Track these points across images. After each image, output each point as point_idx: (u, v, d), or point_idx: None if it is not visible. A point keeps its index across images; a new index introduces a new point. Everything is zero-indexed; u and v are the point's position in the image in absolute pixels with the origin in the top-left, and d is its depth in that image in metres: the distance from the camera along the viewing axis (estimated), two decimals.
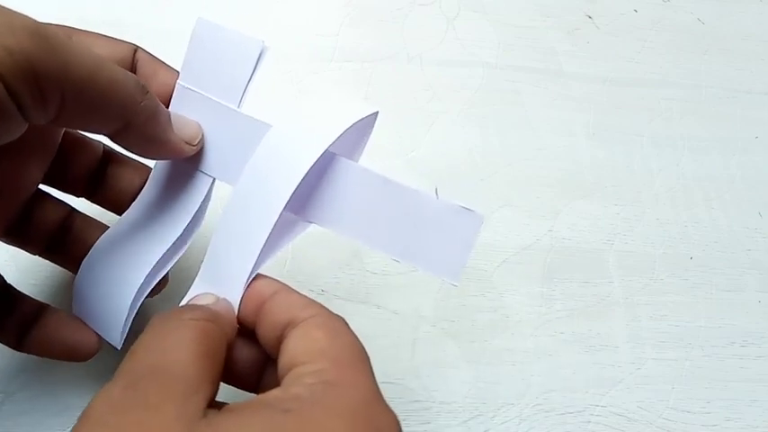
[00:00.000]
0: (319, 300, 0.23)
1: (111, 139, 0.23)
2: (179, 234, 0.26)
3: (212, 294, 0.24)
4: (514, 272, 0.38)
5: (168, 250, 0.26)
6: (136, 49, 0.26)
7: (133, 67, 0.26)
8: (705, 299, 0.40)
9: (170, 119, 0.24)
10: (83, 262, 0.27)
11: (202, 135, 0.26)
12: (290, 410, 0.18)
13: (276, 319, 0.22)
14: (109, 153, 0.28)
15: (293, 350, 0.21)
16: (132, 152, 0.24)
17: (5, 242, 0.27)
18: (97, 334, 0.27)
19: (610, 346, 0.37)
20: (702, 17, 0.49)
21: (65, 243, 0.28)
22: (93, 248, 0.27)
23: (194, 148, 0.25)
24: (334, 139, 0.24)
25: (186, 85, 0.26)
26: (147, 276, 0.26)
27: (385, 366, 0.34)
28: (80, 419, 0.18)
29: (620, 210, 0.41)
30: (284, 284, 0.24)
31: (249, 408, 0.19)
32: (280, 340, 0.22)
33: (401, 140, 0.40)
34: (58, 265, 0.29)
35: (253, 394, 0.24)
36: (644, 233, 0.41)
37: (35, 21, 0.19)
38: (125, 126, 0.22)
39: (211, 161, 0.26)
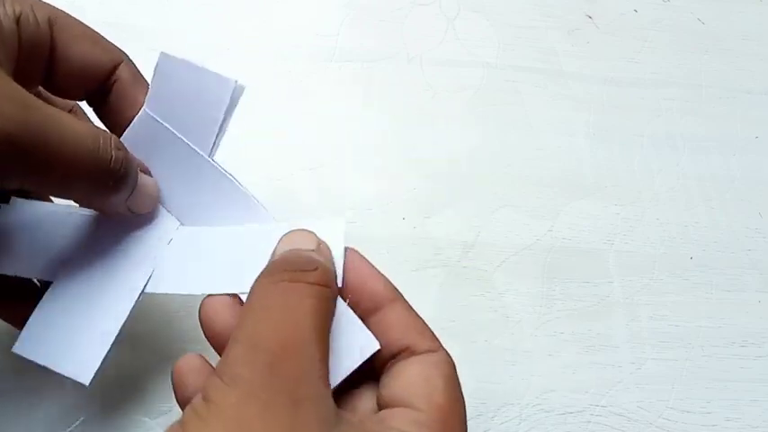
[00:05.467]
0: None
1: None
2: (146, 280, 0.25)
3: (311, 234, 0.23)
4: (514, 272, 0.38)
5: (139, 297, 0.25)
6: (119, 64, 0.25)
7: (109, 86, 0.25)
8: (705, 299, 0.40)
9: (132, 194, 0.24)
10: (40, 305, 0.25)
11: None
12: None
13: (393, 337, 0.22)
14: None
15: (410, 387, 0.21)
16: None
17: None
18: None
19: (610, 346, 0.37)
20: (702, 17, 0.49)
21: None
22: (52, 289, 0.25)
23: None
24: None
25: (153, 115, 0.25)
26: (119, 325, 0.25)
27: None
28: (204, 413, 0.17)
29: (620, 210, 0.41)
30: (399, 292, 0.23)
31: None
32: (389, 359, 0.22)
33: (401, 140, 0.40)
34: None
35: None
36: (644, 233, 0.41)
37: (23, 94, 0.19)
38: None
39: (171, 201, 0.26)
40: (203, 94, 0.24)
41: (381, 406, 0.21)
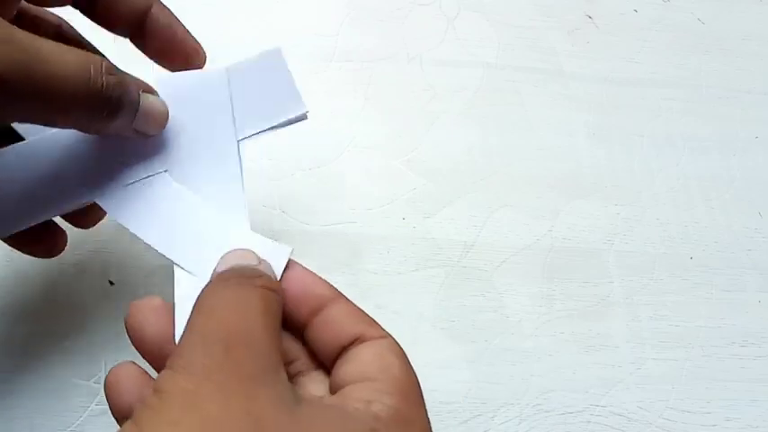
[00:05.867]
0: None
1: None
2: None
3: (251, 252, 0.23)
4: (514, 272, 0.38)
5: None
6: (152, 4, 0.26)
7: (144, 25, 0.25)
8: (705, 299, 0.40)
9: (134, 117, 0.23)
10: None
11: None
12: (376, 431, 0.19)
13: (342, 329, 0.22)
14: None
15: (367, 365, 0.21)
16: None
17: None
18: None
19: (610, 346, 0.37)
20: (702, 17, 0.49)
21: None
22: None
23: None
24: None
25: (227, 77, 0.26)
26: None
27: None
28: (157, 388, 0.18)
29: (620, 210, 0.41)
30: (341, 292, 0.24)
31: (331, 411, 0.19)
32: (340, 350, 0.22)
33: (401, 140, 0.40)
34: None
35: None
36: (644, 233, 0.41)
37: (5, 30, 0.19)
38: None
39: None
40: (275, 98, 0.26)
41: (335, 389, 0.22)
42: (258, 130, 0.27)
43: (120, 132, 0.24)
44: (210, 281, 0.22)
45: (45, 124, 0.21)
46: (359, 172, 0.39)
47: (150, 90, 0.25)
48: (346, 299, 0.24)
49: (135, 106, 0.23)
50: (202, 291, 0.21)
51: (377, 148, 0.40)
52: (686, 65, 0.47)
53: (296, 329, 0.24)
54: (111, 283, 0.33)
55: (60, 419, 0.31)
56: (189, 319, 0.20)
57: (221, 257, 0.23)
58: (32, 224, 0.25)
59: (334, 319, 0.23)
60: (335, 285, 0.36)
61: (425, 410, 0.21)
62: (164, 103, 0.25)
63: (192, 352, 0.19)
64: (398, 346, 0.23)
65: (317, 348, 0.23)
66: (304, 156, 0.39)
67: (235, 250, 0.23)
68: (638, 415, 0.36)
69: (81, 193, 0.25)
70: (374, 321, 0.23)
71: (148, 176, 0.25)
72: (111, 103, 0.22)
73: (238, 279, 0.21)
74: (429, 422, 0.21)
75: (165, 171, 0.25)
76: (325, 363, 0.23)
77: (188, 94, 0.26)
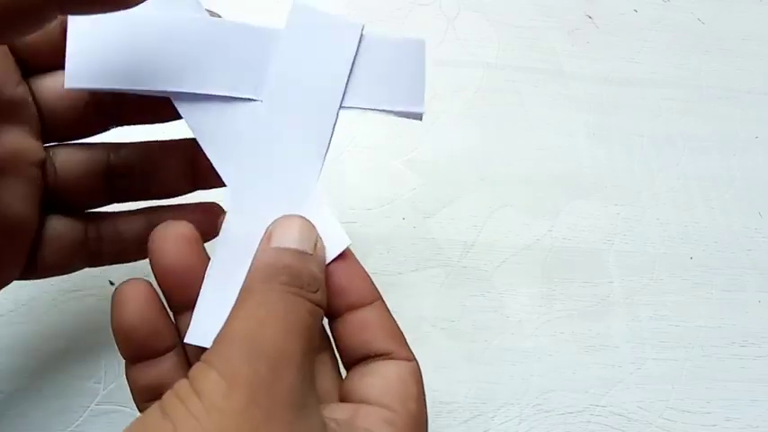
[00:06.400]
0: None
1: None
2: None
3: (313, 229, 0.22)
4: (514, 272, 0.38)
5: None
6: None
7: None
8: (705, 299, 0.40)
9: None
10: None
11: None
12: None
13: (375, 339, 0.22)
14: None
15: (389, 389, 0.21)
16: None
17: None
18: None
19: (610, 346, 0.37)
20: (702, 17, 0.49)
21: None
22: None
23: None
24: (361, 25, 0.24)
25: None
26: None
27: None
28: (192, 393, 0.17)
29: (620, 210, 0.41)
30: (380, 294, 0.24)
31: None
32: (365, 357, 0.22)
33: (401, 140, 0.40)
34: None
35: None
36: (644, 233, 0.41)
37: None
38: None
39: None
40: (399, 85, 0.24)
41: (348, 399, 0.22)
42: (367, 107, 0.24)
43: None
44: (264, 272, 0.20)
45: None
46: (359, 172, 0.39)
47: None
48: (385, 306, 0.23)
49: None
50: (250, 281, 0.20)
51: (377, 148, 0.40)
52: (686, 65, 0.47)
53: (327, 315, 0.23)
54: (111, 283, 0.33)
55: (60, 419, 0.31)
56: (232, 318, 0.19)
57: (277, 222, 0.22)
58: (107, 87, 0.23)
59: (369, 325, 0.23)
60: None
61: None
62: None
63: (236, 359, 0.18)
64: (420, 372, 0.22)
65: (342, 345, 0.23)
66: None
67: (298, 218, 0.22)
68: (638, 415, 0.36)
69: (169, 79, 0.23)
70: (404, 339, 0.23)
71: (239, 99, 0.24)
72: None
73: (295, 290, 0.20)
74: None
75: (260, 101, 0.24)
76: (345, 361, 0.23)
77: (316, 33, 0.24)
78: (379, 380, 0.22)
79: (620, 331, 0.38)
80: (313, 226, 0.23)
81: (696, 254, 0.41)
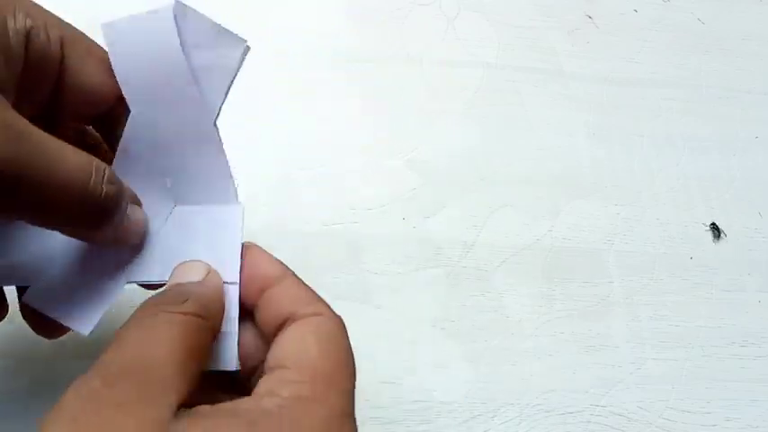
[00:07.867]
0: None
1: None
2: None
3: (203, 263, 0.23)
4: (514, 272, 0.38)
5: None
6: None
7: (117, 113, 0.24)
8: (705, 299, 0.40)
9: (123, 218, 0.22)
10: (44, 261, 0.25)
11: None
12: (256, 423, 0.18)
13: (279, 309, 0.22)
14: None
15: (283, 350, 0.21)
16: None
17: None
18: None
19: (610, 346, 0.37)
20: (702, 17, 0.49)
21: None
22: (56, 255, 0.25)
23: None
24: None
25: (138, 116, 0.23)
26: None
27: (385, 366, 0.34)
28: (53, 410, 0.18)
29: (620, 210, 0.41)
30: (291, 270, 0.24)
31: (216, 415, 0.19)
32: (278, 330, 0.22)
33: (401, 140, 0.40)
34: None
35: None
36: (644, 233, 0.41)
37: (16, 121, 0.18)
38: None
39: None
40: (213, 53, 0.23)
41: (265, 374, 0.22)
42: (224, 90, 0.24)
43: (97, 241, 0.23)
44: (140, 306, 0.21)
45: (31, 221, 0.20)
46: (359, 172, 0.39)
47: (136, 202, 0.24)
48: (294, 277, 0.23)
49: (121, 219, 0.22)
50: (131, 317, 0.21)
51: (377, 148, 0.40)
52: (686, 65, 0.47)
53: (250, 314, 0.23)
54: None
55: None
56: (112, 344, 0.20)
57: (174, 269, 0.23)
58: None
59: (275, 298, 0.22)
60: (335, 285, 0.36)
61: (342, 392, 0.20)
62: (144, 219, 0.24)
63: (90, 376, 0.19)
64: (326, 322, 0.22)
65: (260, 327, 0.23)
66: (304, 156, 0.39)
67: (185, 263, 0.23)
68: (638, 415, 0.36)
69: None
70: (314, 298, 0.23)
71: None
72: (104, 213, 0.21)
73: (160, 308, 0.21)
74: (346, 404, 0.20)
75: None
76: (267, 340, 0.23)
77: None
78: (277, 345, 0.21)
79: (620, 331, 0.38)
80: (199, 263, 0.23)
81: (696, 254, 0.41)
